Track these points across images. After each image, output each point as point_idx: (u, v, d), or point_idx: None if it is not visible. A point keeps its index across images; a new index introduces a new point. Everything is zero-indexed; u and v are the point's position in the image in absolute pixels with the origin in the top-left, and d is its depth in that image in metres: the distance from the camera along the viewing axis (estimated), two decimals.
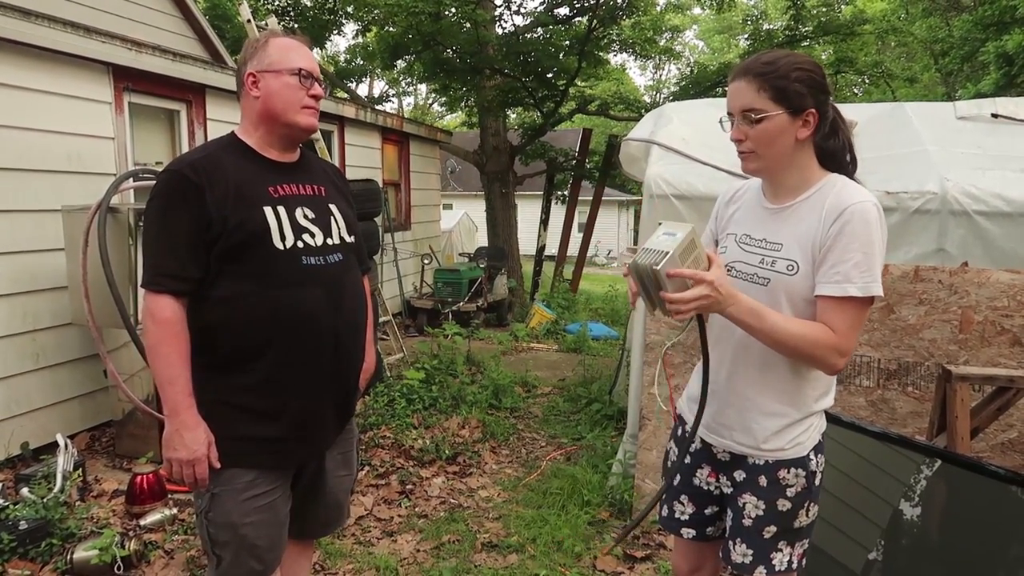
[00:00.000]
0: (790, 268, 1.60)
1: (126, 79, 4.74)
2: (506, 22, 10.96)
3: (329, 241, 1.82)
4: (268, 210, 1.72)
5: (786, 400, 1.66)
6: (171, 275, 1.67)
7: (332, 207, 1.88)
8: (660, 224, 1.54)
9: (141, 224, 3.73)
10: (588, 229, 10.72)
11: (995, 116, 3.97)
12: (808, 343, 1.53)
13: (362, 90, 22.68)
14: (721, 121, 1.68)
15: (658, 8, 13.03)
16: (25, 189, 4.07)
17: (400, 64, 12.35)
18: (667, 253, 1.45)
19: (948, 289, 2.96)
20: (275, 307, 1.71)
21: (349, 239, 1.89)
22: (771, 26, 12.80)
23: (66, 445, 3.62)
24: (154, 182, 1.75)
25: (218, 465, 1.72)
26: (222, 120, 5.65)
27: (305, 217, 1.79)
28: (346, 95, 11.94)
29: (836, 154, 1.66)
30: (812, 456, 1.68)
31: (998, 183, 3.27)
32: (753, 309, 1.54)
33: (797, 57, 1.62)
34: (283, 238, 1.72)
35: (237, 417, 1.74)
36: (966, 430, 2.41)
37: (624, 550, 3.17)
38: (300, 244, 1.75)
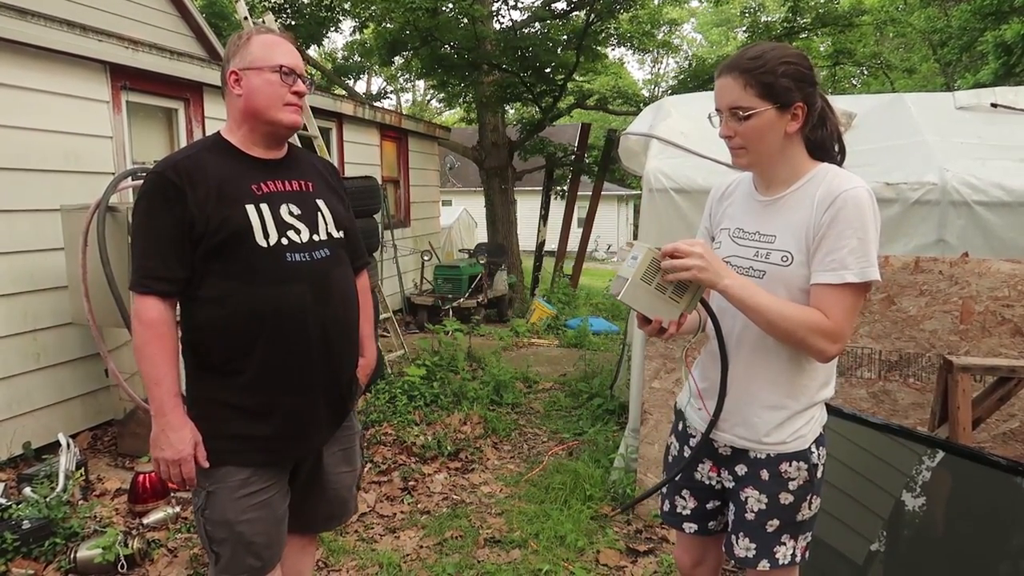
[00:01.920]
0: (784, 259, 1.60)
1: (123, 77, 4.73)
2: (504, 17, 10.94)
3: (316, 237, 1.81)
4: (250, 208, 1.72)
5: (785, 392, 1.65)
6: (156, 276, 1.68)
7: (319, 202, 1.87)
8: (633, 244, 1.62)
9: None
10: (588, 224, 10.72)
11: (994, 106, 3.96)
12: (802, 326, 1.53)
13: (360, 87, 22.67)
14: (710, 117, 1.68)
15: (655, 2, 12.99)
16: (23, 189, 4.07)
17: (398, 60, 12.33)
18: (627, 280, 1.54)
19: (949, 280, 2.96)
20: (260, 305, 1.71)
21: (337, 234, 1.88)
22: (769, 18, 12.77)
23: (68, 444, 3.62)
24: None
25: (206, 464, 1.73)
26: (220, 118, 5.62)
27: (290, 214, 1.78)
28: (344, 92, 11.91)
29: (824, 144, 1.65)
30: (814, 449, 1.67)
31: (998, 173, 3.26)
32: (748, 284, 1.56)
33: (783, 50, 1.61)
34: (266, 235, 1.72)
35: (229, 416, 1.74)
36: (968, 420, 2.40)
37: (627, 544, 3.17)
38: (284, 241, 1.75)
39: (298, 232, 1.78)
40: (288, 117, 1.78)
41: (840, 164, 1.67)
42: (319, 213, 1.85)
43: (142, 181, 1.74)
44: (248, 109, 1.77)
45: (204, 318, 1.72)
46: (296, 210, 1.80)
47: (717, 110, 1.64)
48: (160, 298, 1.68)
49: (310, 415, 1.83)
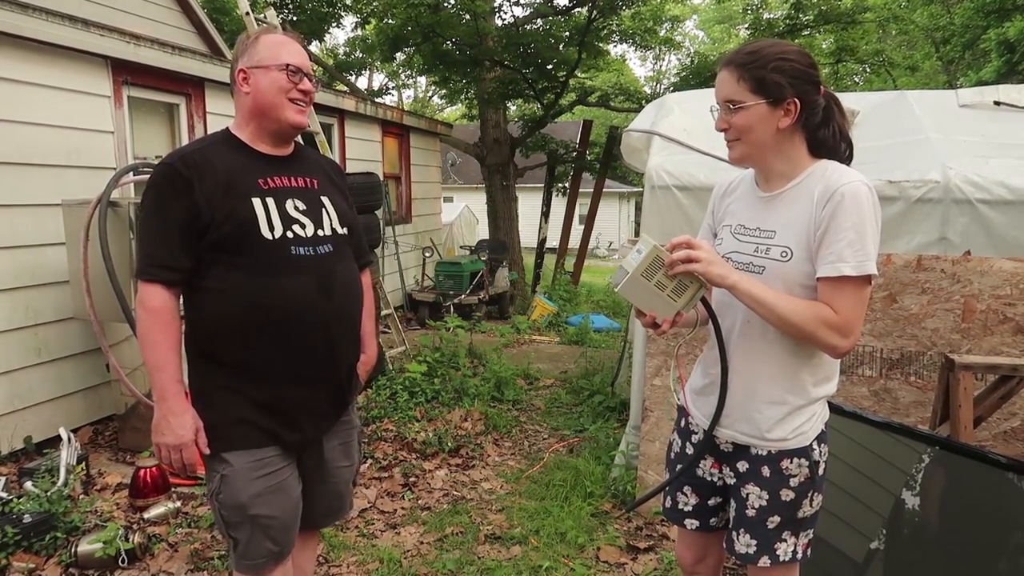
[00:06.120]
0: (784, 255, 1.60)
1: (125, 72, 4.72)
2: (506, 13, 10.92)
3: (320, 232, 1.85)
4: (256, 201, 1.75)
5: (785, 387, 1.65)
6: (162, 265, 1.71)
7: (324, 199, 1.90)
8: (638, 239, 1.65)
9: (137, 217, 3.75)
10: (589, 221, 10.71)
11: (998, 103, 3.95)
12: (812, 320, 1.53)
13: (362, 83, 22.59)
14: (712, 110, 1.70)
15: None
16: (25, 183, 4.06)
17: (399, 57, 12.31)
18: (628, 273, 1.56)
19: (951, 278, 2.95)
20: (264, 296, 1.74)
21: (342, 231, 1.92)
22: (771, 15, 12.74)
23: (69, 439, 3.63)
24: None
25: (207, 451, 1.76)
26: (222, 114, 5.63)
27: (296, 208, 1.82)
28: (346, 88, 11.88)
29: (827, 143, 1.65)
30: (815, 446, 1.67)
31: (1001, 171, 3.25)
32: (755, 281, 1.57)
33: (782, 47, 1.62)
34: (271, 228, 1.75)
35: (234, 401, 1.77)
36: (969, 419, 2.40)
37: (627, 541, 3.17)
38: (289, 234, 1.78)
39: (303, 226, 1.81)
40: (293, 116, 1.82)
41: (848, 163, 1.66)
42: (323, 209, 1.88)
43: (151, 172, 1.77)
44: (255, 107, 1.80)
45: (208, 308, 1.75)
46: (301, 205, 1.83)
47: (717, 103, 1.67)
48: (165, 286, 1.71)
49: (312, 405, 1.87)
